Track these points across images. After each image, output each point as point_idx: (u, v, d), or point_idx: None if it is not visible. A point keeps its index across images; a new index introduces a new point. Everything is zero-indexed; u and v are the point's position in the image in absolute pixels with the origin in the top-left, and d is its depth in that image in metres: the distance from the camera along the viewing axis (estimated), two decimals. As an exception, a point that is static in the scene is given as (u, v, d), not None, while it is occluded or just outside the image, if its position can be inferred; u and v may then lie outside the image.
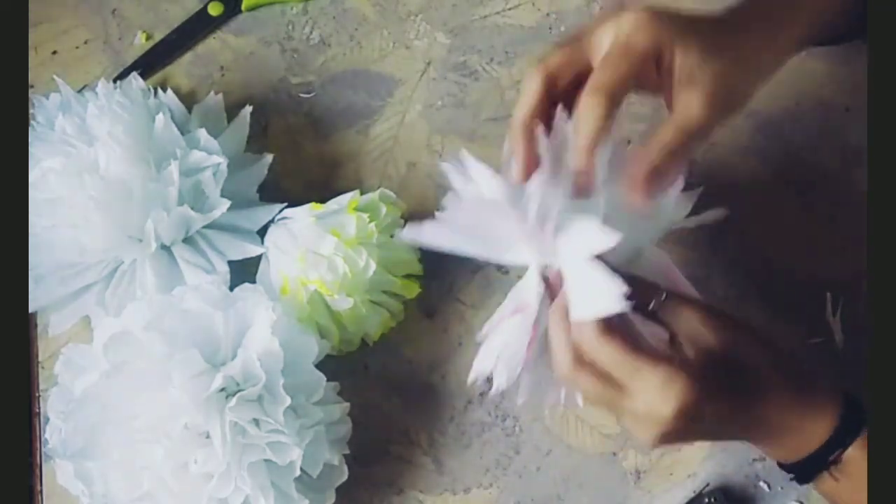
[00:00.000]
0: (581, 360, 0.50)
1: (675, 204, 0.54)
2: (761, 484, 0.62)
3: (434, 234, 0.51)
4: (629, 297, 0.48)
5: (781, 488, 0.62)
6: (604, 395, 0.50)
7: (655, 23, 0.51)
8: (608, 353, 0.49)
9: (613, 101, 0.50)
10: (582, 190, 0.51)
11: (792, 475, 0.55)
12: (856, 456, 0.52)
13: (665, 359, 0.49)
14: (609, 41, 0.52)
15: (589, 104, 0.50)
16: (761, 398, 0.51)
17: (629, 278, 0.50)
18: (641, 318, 0.52)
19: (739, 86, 0.53)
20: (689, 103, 0.52)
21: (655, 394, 0.48)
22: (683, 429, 0.49)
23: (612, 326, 0.49)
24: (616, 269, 0.50)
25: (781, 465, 0.56)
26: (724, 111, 0.53)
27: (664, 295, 0.52)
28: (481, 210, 0.51)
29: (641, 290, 0.51)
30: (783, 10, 0.56)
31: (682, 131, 0.52)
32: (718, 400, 0.50)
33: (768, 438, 0.54)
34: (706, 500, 0.61)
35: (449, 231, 0.51)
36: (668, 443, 0.50)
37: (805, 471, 0.54)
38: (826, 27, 0.59)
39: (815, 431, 0.52)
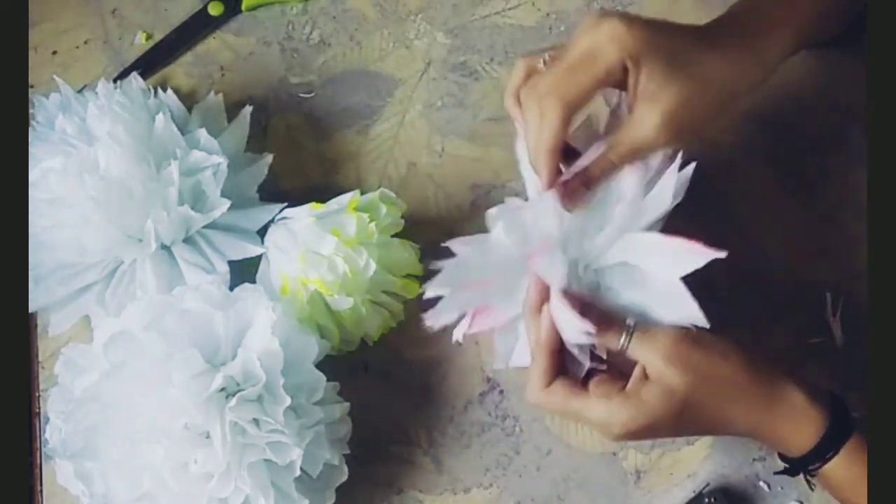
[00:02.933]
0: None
1: (662, 192, 0.55)
2: (761, 484, 0.62)
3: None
4: (594, 332, 0.52)
5: (781, 488, 0.62)
6: (566, 415, 0.55)
7: (627, 36, 0.51)
8: (553, 404, 0.53)
9: (570, 110, 0.52)
10: (571, 199, 0.54)
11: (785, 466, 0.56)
12: (835, 470, 0.52)
13: (605, 396, 0.52)
14: (585, 45, 0.52)
15: (547, 106, 0.52)
16: (720, 424, 0.53)
17: (597, 312, 0.53)
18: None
19: (700, 108, 0.53)
20: (645, 121, 0.52)
21: (602, 421, 0.52)
22: (635, 439, 0.53)
23: (555, 371, 0.53)
24: (587, 304, 0.53)
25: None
26: (679, 133, 0.53)
27: (633, 326, 0.52)
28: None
29: (607, 325, 0.52)
30: (761, 24, 0.55)
31: (630, 147, 0.53)
32: (667, 428, 0.52)
33: (750, 436, 0.54)
34: (706, 500, 0.61)
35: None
36: (626, 440, 0.54)
37: (791, 469, 0.55)
38: (808, 38, 0.58)
39: (794, 443, 0.53)
